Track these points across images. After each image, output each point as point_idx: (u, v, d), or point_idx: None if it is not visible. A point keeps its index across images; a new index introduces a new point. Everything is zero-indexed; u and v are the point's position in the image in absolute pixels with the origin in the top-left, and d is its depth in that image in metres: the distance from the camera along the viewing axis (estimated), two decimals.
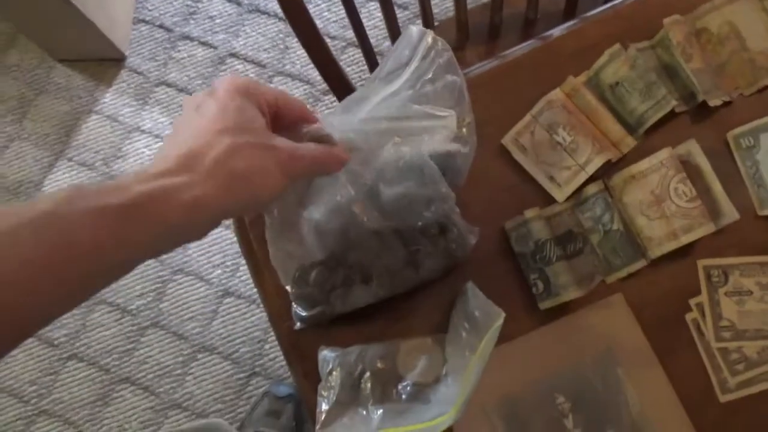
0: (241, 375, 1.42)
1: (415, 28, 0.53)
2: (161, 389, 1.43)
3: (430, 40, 0.52)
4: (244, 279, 1.46)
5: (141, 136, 1.58)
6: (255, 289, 1.50)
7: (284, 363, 1.41)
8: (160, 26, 1.65)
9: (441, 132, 0.53)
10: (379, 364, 0.56)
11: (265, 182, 0.40)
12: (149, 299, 1.48)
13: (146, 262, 1.56)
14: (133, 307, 1.48)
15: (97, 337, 1.47)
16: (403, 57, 0.53)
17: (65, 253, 0.33)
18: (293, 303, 0.58)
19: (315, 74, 1.54)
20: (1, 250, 0.31)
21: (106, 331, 1.48)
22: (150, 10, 1.66)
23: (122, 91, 1.61)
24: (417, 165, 0.51)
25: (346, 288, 0.55)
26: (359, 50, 1.57)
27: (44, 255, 0.32)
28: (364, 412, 0.53)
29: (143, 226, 0.35)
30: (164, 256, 1.49)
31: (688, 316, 0.56)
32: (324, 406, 0.55)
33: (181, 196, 0.36)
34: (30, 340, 1.48)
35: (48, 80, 1.64)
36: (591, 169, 0.58)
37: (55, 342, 1.48)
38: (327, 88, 1.54)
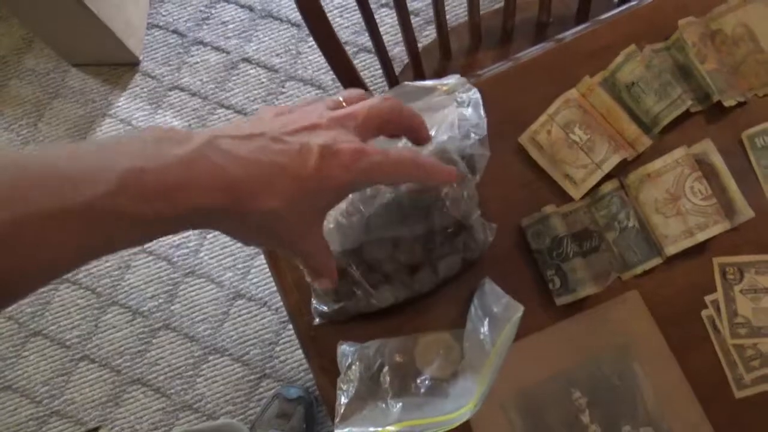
0: (252, 377, 1.43)
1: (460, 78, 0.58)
2: (172, 390, 1.44)
3: (460, 83, 0.57)
4: (255, 281, 1.47)
5: None
6: (266, 292, 1.51)
7: (295, 365, 1.42)
8: (174, 31, 1.67)
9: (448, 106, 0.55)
10: (397, 359, 0.56)
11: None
12: (161, 301, 1.49)
13: (157, 265, 1.57)
14: (144, 308, 1.49)
15: (109, 338, 1.49)
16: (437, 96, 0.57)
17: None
18: (313, 298, 0.59)
19: (327, 79, 1.56)
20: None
21: (117, 332, 1.49)
22: (164, 16, 1.68)
23: (136, 95, 1.63)
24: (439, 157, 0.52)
25: (368, 288, 0.56)
26: (371, 55, 1.59)
27: None
28: (383, 406, 0.54)
29: None
30: (176, 259, 1.50)
31: (704, 313, 0.57)
32: (343, 400, 0.55)
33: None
34: (42, 341, 1.49)
35: (63, 84, 1.66)
36: (607, 167, 0.59)
37: (67, 343, 1.49)
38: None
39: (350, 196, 0.53)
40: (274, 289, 1.45)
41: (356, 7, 1.59)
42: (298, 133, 0.40)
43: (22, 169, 0.32)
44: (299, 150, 0.39)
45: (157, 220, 0.34)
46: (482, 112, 0.57)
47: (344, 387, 0.56)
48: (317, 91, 1.57)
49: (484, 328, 0.54)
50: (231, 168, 0.36)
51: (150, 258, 1.51)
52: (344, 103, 0.45)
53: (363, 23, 1.61)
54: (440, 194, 0.54)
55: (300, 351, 1.43)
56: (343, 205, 0.54)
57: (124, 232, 0.34)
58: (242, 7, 1.66)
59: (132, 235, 0.35)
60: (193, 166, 0.35)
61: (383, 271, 0.56)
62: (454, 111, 0.56)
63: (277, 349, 1.43)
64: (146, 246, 1.52)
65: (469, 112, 0.57)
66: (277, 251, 0.53)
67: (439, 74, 1.05)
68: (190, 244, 1.51)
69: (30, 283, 0.33)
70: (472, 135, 0.56)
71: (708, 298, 0.57)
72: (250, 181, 0.37)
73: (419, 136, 0.46)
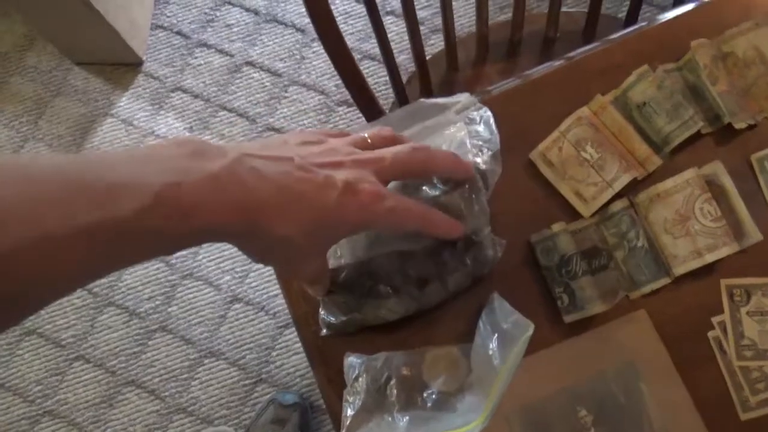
0: (247, 381, 1.42)
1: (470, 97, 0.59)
2: (167, 393, 1.43)
3: (470, 102, 0.58)
4: (253, 285, 1.47)
5: (155, 140, 1.59)
6: (264, 296, 1.51)
7: (291, 371, 1.42)
8: (178, 33, 1.67)
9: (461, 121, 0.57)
10: (404, 372, 0.56)
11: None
12: (158, 303, 1.48)
13: (156, 266, 1.57)
14: (141, 310, 1.48)
15: (105, 338, 1.48)
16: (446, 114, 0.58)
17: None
18: (321, 309, 0.58)
19: (330, 84, 1.56)
20: None
21: (113, 333, 1.48)
22: (168, 17, 1.68)
23: (138, 95, 1.63)
24: None
25: (378, 300, 0.56)
26: (375, 62, 1.59)
27: None
28: (390, 419, 0.54)
29: None
30: (174, 261, 1.50)
31: (710, 334, 0.57)
32: (349, 412, 0.55)
33: None
34: (37, 339, 1.48)
35: (65, 82, 1.65)
36: (617, 186, 0.59)
37: (62, 342, 1.49)
38: (342, 99, 1.57)
39: None
40: (272, 293, 1.45)
41: (361, 14, 1.60)
42: (323, 167, 0.41)
43: (63, 176, 0.31)
44: (324, 182, 0.40)
45: (186, 235, 0.34)
46: (494, 128, 0.57)
47: (351, 399, 0.56)
48: (320, 96, 1.57)
49: (493, 344, 0.54)
50: (257, 188, 0.37)
51: None
52: (369, 140, 0.46)
53: (367, 30, 1.62)
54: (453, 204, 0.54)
55: (296, 357, 1.43)
56: None
57: (152, 245, 0.34)
58: (247, 10, 1.66)
59: (160, 248, 0.35)
60: (224, 182, 0.35)
61: (392, 283, 0.56)
62: (463, 128, 0.57)
63: (274, 354, 1.43)
64: None
65: (481, 128, 0.57)
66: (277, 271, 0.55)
67: (446, 85, 1.06)
68: None
69: (45, 299, 0.33)
70: (485, 150, 0.56)
71: (715, 319, 0.57)
72: (271, 204, 0.37)
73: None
